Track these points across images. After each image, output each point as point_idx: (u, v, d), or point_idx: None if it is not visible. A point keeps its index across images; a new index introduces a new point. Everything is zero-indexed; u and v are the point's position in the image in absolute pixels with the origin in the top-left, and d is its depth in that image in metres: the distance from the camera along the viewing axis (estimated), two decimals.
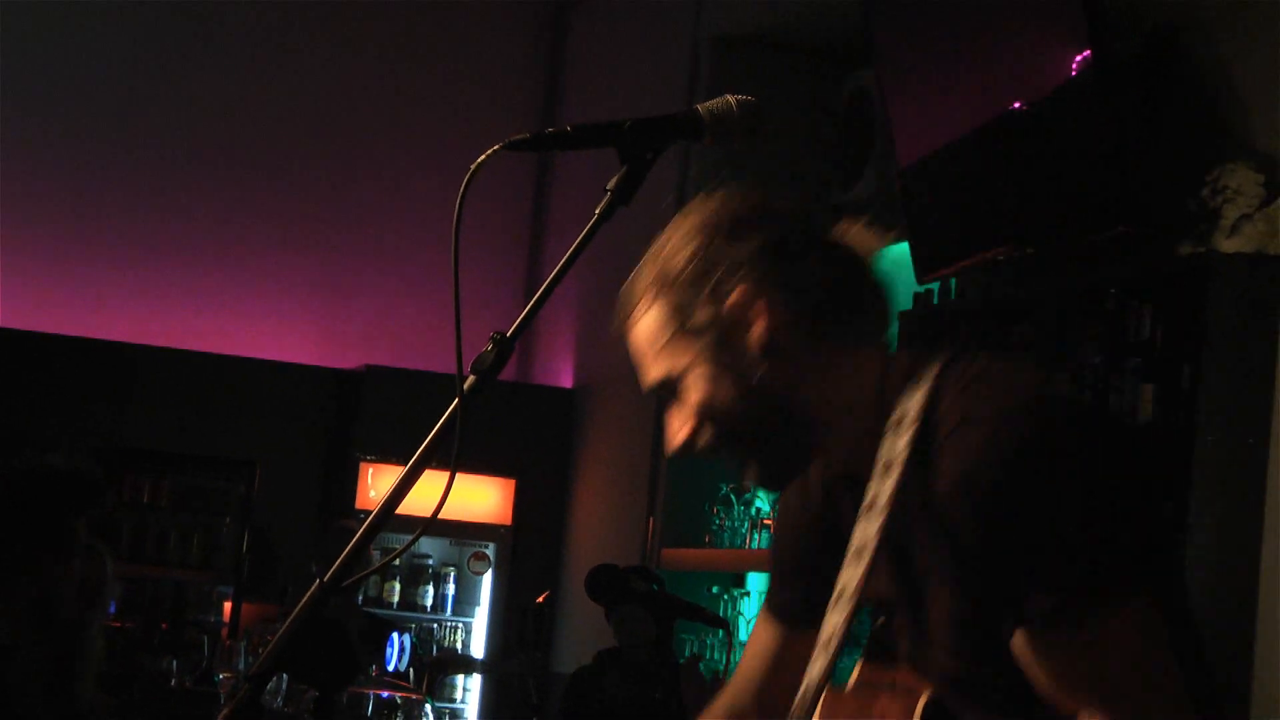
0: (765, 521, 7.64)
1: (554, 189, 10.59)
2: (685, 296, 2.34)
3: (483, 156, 2.09)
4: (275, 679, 6.03)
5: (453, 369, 2.11)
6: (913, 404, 2.23)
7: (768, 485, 2.43)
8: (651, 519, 8.49)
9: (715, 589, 7.94)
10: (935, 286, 6.51)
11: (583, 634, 8.31)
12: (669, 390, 2.34)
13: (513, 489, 9.71)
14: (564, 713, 5.74)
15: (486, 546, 9.66)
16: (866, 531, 2.23)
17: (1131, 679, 2.12)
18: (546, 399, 9.93)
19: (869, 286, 2.36)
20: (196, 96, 10.22)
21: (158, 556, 9.42)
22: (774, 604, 2.63)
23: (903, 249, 6.68)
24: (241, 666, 7.55)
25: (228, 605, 9.31)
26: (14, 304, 9.81)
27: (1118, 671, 2.12)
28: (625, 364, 8.57)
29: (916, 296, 6.56)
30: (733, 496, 7.89)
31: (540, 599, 6.10)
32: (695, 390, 2.31)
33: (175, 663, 7.48)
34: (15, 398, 9.50)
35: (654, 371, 2.35)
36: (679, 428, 2.34)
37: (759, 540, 7.64)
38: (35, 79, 9.99)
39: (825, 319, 2.31)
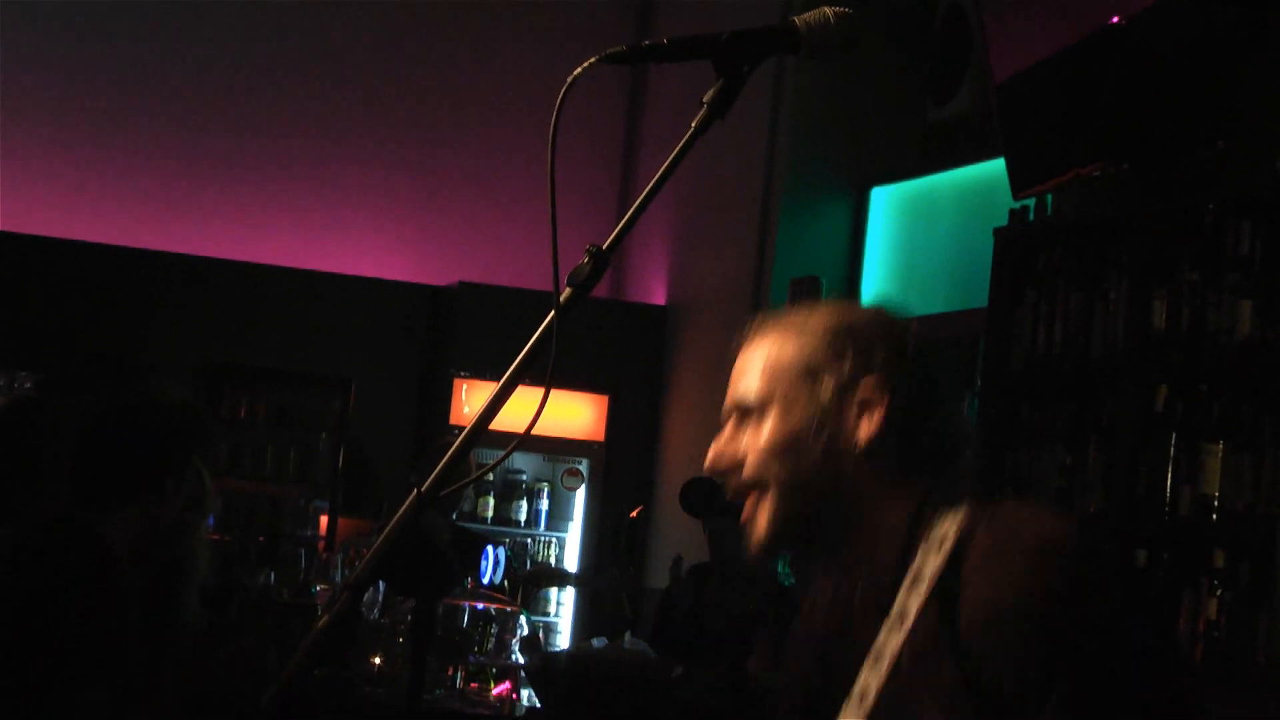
0: None
1: (647, 104, 10.57)
2: (831, 353, 2.35)
3: (579, 69, 2.08)
4: (372, 591, 6.09)
5: (547, 285, 2.11)
6: (950, 526, 2.27)
7: (760, 548, 2.40)
8: None
9: None
10: (1031, 203, 6.46)
11: (675, 549, 8.34)
12: (746, 413, 2.37)
13: (606, 405, 9.74)
14: (658, 625, 5.77)
15: (580, 463, 9.70)
16: (890, 640, 2.25)
17: None
18: (640, 316, 9.94)
19: (956, 430, 2.41)
20: (289, 13, 10.25)
21: (254, 472, 9.51)
22: None
23: (999, 165, 6.63)
24: (337, 580, 7.63)
25: (324, 520, 9.39)
26: (116, 222, 9.90)
27: None
28: (718, 282, 8.58)
29: (1012, 213, 6.51)
30: None
31: (633, 514, 6.14)
32: (775, 434, 2.34)
33: (273, 576, 7.56)
34: (117, 313, 9.61)
35: (751, 392, 2.37)
36: (728, 451, 2.39)
37: None
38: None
39: (918, 450, 2.35)
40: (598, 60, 2.13)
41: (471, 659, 6.00)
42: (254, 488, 9.47)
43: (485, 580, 8.10)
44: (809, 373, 2.34)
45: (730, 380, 2.42)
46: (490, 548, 8.40)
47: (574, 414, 9.65)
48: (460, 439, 2.12)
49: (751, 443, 2.36)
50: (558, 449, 9.64)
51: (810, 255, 8.44)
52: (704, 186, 9.19)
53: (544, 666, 6.08)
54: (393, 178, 10.39)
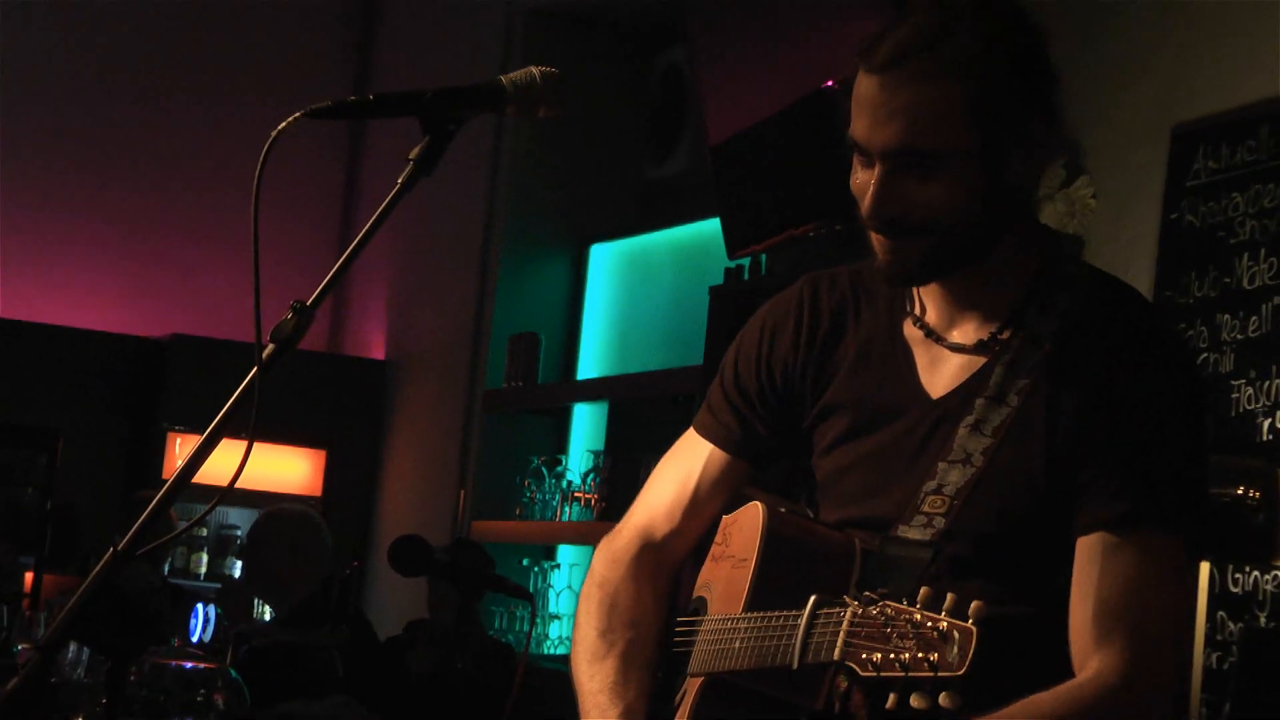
0: (576, 494, 7.67)
1: (366, 159, 10.53)
2: (1004, 89, 2.29)
3: (283, 124, 2.08)
4: (76, 650, 5.94)
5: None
6: (1065, 291, 2.35)
7: (905, 282, 2.41)
8: (462, 491, 8.49)
9: (525, 561, 7.96)
10: (746, 262, 6.57)
11: (393, 605, 8.30)
12: (909, 157, 2.27)
13: (323, 460, 9.65)
14: (374, 681, 5.72)
15: None
16: (997, 409, 2.31)
17: (1162, 614, 2.25)
18: (358, 370, 9.87)
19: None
20: None
21: None
22: (722, 431, 2.61)
23: (715, 224, 6.72)
24: (41, 636, 7.44)
25: (29, 576, 9.16)
26: None
27: (1153, 602, 2.24)
28: (437, 337, 8.49)
29: (727, 272, 6.61)
30: (544, 469, 7.91)
31: (346, 570, 6.09)
32: (952, 186, 2.27)
33: None
34: None
35: (922, 140, 2.26)
36: (895, 201, 2.29)
37: (570, 513, 7.66)
38: None
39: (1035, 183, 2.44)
40: (303, 114, 2.14)
41: (175, 719, 5.89)
42: None
43: (194, 638, 7.94)
44: (982, 114, 2.26)
45: (870, 115, 2.29)
46: (201, 605, 8.25)
47: (290, 468, 9.55)
48: (160, 494, 2.10)
49: (921, 193, 2.28)
50: (273, 504, 9.52)
51: (529, 311, 8.46)
52: (424, 242, 9.18)
53: None
54: (104, 227, 10.20)
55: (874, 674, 2.01)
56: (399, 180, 2.16)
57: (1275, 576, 4.32)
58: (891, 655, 2.00)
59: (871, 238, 2.36)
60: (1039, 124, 2.31)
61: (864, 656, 2.02)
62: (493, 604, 7.62)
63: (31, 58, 10.08)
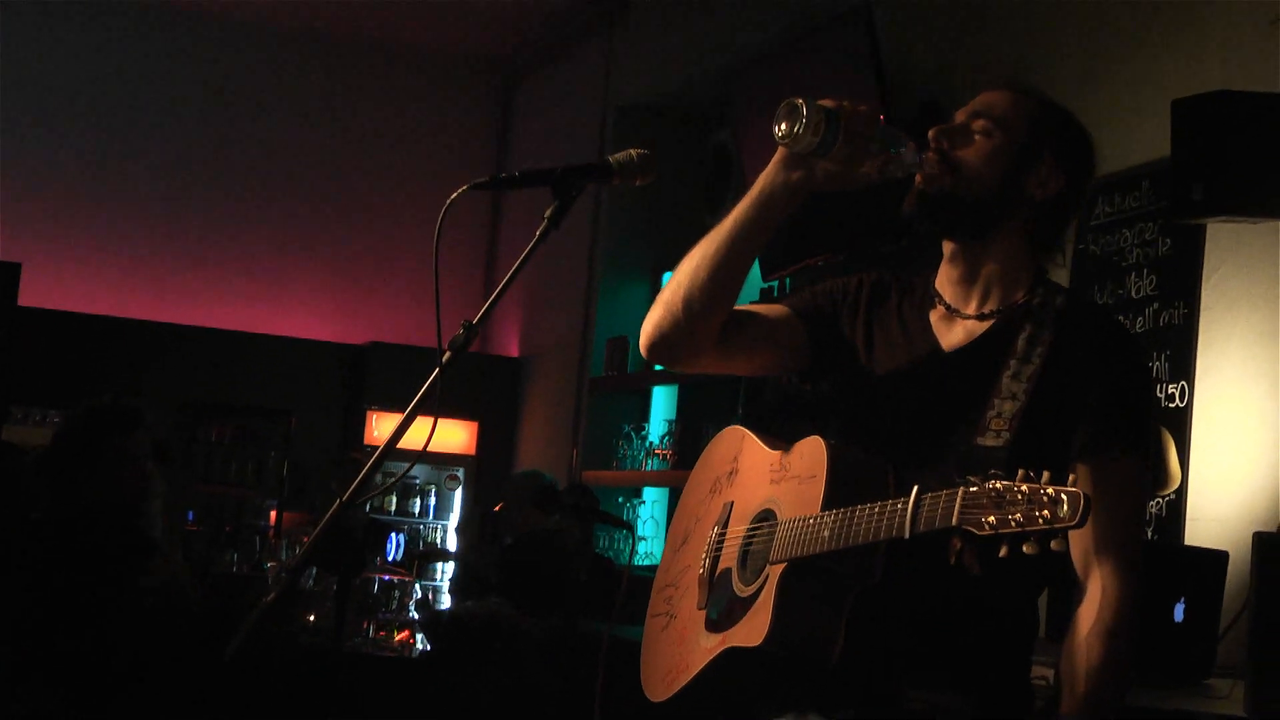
0: (655, 451, 7.63)
1: (505, 212, 10.54)
2: (1054, 130, 2.32)
3: (455, 194, 2.07)
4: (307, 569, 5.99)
5: (436, 345, 2.11)
6: (1057, 302, 2.28)
7: (927, 197, 2.31)
8: (575, 449, 8.48)
9: (620, 499, 7.94)
10: (775, 284, 6.53)
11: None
12: (981, 120, 2.30)
13: (476, 429, 9.67)
14: (522, 586, 5.68)
15: (458, 470, 9.61)
16: (1024, 368, 2.22)
17: (1135, 519, 2.22)
18: (500, 364, 9.88)
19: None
20: (245, 149, 10.09)
21: (223, 479, 9.30)
22: (793, 300, 2.54)
23: None
24: (283, 556, 7.48)
25: (273, 514, 9.23)
26: (121, 299, 9.68)
27: (1134, 516, 2.21)
28: (555, 339, 8.34)
29: (762, 291, 6.57)
30: (632, 433, 7.88)
31: (496, 508, 6.08)
32: (992, 142, 2.29)
33: (235, 554, 7.41)
34: (122, 364, 9.41)
35: (996, 109, 2.31)
36: (957, 131, 2.31)
37: (652, 464, 7.63)
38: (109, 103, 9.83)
39: (1055, 235, 2.35)
40: (469, 187, 2.12)
41: (380, 615, 5.91)
42: (222, 490, 9.27)
43: (390, 558, 7.98)
44: (1035, 126, 2.30)
45: (971, 102, 2.35)
46: (393, 534, 8.29)
47: (454, 435, 9.57)
48: (372, 459, 2.09)
49: (972, 145, 2.29)
50: (442, 460, 9.55)
51: (620, 320, 8.43)
52: (546, 269, 9.18)
53: (433, 619, 5.99)
54: (322, 264, 10.25)
55: (991, 533, 1.81)
56: (537, 232, 2.14)
57: (1158, 503, 4.28)
58: (1007, 517, 1.80)
59: (923, 173, 2.31)
60: (1060, 171, 2.31)
61: (980, 519, 1.82)
62: (599, 531, 7.60)
63: (272, 153, 10.12)
